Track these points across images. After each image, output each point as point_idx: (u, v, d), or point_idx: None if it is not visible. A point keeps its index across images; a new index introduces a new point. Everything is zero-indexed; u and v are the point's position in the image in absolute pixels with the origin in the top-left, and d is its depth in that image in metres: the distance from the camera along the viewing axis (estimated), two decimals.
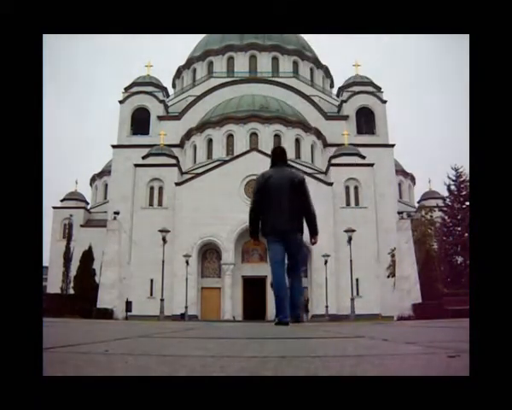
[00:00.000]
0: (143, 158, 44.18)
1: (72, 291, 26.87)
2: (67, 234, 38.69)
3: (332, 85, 59.34)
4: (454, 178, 32.12)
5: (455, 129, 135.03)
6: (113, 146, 47.29)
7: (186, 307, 34.06)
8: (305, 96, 49.74)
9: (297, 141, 45.58)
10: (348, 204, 41.69)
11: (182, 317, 32.92)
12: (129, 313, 23.33)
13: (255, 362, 1.67)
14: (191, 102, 49.97)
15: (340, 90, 53.07)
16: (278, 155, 6.09)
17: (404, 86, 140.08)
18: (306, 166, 43.56)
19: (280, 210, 5.71)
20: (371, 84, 51.17)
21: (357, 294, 35.91)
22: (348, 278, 28.12)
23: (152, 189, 42.68)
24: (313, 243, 6.21)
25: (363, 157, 43.62)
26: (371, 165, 42.58)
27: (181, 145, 47.21)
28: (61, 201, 50.44)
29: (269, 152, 37.24)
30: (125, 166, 44.21)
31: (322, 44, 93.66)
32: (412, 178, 56.99)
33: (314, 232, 6.12)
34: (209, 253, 41.16)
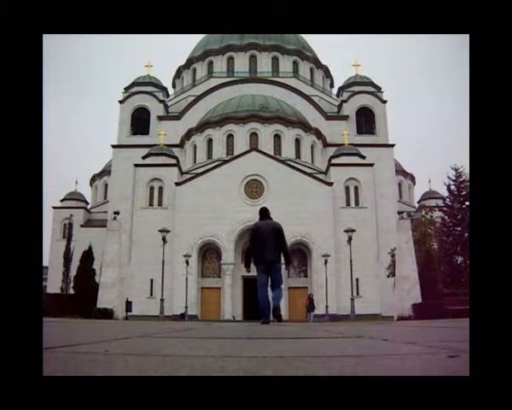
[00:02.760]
0: (143, 158, 44.17)
1: (72, 291, 26.82)
2: (67, 234, 38.64)
3: (332, 85, 59.32)
4: (454, 178, 32.09)
5: (455, 129, 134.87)
6: (113, 146, 47.29)
7: (186, 307, 34.06)
8: (305, 96, 49.73)
9: (297, 141, 45.56)
10: (348, 204, 41.66)
11: (182, 317, 32.91)
12: (129, 313, 23.28)
13: (255, 362, 1.67)
14: (191, 102, 49.95)
15: (340, 90, 53.06)
16: (264, 213, 8.85)
17: (405, 86, 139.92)
18: (306, 166, 43.56)
19: (266, 248, 8.36)
20: (371, 84, 51.17)
21: (357, 294, 35.90)
22: (348, 278, 28.11)
23: (152, 189, 42.66)
24: (287, 269, 10.10)
25: (363, 157, 43.60)
26: (371, 165, 42.57)
27: (181, 145, 47.19)
28: (61, 201, 50.44)
29: (269, 152, 37.48)
30: (125, 166, 44.20)
31: (322, 44, 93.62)
32: (412, 178, 56.99)
33: (288, 263, 8.81)
34: (209, 253, 41.15)
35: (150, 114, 48.86)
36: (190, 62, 56.77)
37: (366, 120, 48.64)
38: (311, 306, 30.25)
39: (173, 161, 43.71)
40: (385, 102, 49.32)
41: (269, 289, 8.76)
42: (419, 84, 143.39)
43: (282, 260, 8.75)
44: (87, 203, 52.66)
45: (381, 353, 2.22)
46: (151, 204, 42.41)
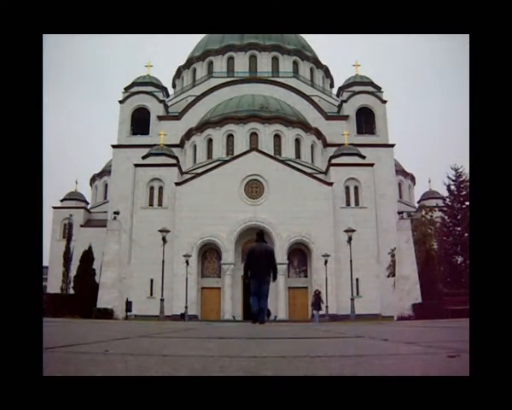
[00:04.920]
0: (143, 158, 44.16)
1: (72, 291, 26.83)
2: (67, 234, 38.64)
3: (332, 85, 59.30)
4: (454, 178, 32.10)
5: (455, 129, 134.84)
6: (113, 146, 47.29)
7: (186, 307, 34.05)
8: (305, 96, 49.72)
9: (297, 141, 45.54)
10: (348, 204, 41.63)
11: (182, 317, 32.91)
12: (129, 313, 23.32)
13: (255, 362, 1.67)
14: (191, 102, 49.94)
15: (340, 90, 53.04)
16: (260, 236, 11.08)
17: (404, 86, 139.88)
18: (306, 166, 43.54)
19: (259, 266, 10.57)
20: (371, 84, 51.16)
21: (357, 294, 35.88)
22: (348, 278, 28.08)
23: (152, 189, 42.65)
24: (273, 281, 11.14)
25: (363, 157, 43.58)
26: (371, 165, 42.56)
27: (181, 145, 47.19)
28: (61, 201, 50.43)
29: (269, 152, 37.86)
30: (125, 166, 44.19)
31: (322, 44, 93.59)
32: (412, 178, 57.00)
33: (275, 278, 10.90)
34: (209, 253, 41.13)
35: (150, 114, 48.85)
36: (190, 62, 56.76)
37: (366, 120, 48.62)
38: (317, 303, 27.68)
39: (173, 161, 43.71)
40: (385, 102, 49.32)
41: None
42: (419, 83, 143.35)
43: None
44: (87, 203, 52.66)
45: (381, 353, 2.22)
46: (151, 204, 42.40)
